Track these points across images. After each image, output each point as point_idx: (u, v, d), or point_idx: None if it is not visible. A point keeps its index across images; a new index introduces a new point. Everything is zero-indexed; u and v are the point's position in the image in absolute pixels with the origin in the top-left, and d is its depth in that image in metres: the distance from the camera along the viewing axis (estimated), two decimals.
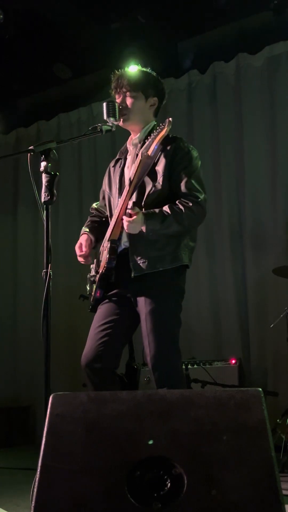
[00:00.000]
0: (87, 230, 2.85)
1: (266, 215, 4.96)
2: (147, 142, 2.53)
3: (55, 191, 2.37)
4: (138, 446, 1.41)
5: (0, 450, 5.29)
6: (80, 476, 1.38)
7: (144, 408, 1.47)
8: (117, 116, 2.64)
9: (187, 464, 1.37)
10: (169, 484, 1.35)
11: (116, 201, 2.72)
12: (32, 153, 2.42)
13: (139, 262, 2.55)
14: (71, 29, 5.23)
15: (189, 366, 4.22)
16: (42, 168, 2.39)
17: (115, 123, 2.66)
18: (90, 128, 2.67)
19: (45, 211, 2.37)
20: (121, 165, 2.79)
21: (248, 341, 4.90)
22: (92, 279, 2.75)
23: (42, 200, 2.35)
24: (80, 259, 2.78)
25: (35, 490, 1.35)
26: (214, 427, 1.41)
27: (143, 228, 2.50)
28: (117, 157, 2.88)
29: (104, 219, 2.90)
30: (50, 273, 2.31)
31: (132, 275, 2.54)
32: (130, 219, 2.45)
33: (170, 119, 2.50)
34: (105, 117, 2.64)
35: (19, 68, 5.56)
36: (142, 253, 2.56)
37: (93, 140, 5.79)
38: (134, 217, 2.45)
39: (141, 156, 2.53)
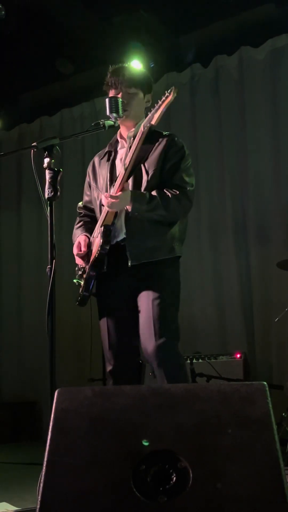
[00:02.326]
0: (84, 232, 2.83)
1: (270, 209, 4.95)
2: (149, 114, 2.51)
3: (58, 187, 2.37)
4: (143, 440, 1.41)
5: (7, 446, 5.33)
6: (86, 470, 1.38)
7: (148, 402, 1.47)
8: (120, 111, 2.64)
9: (192, 457, 1.37)
10: (174, 477, 1.36)
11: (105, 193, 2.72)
12: (35, 150, 2.42)
13: (136, 251, 2.57)
14: (73, 24, 5.21)
15: (194, 361, 4.23)
16: (45, 165, 2.39)
17: (118, 118, 2.66)
18: (93, 124, 2.67)
19: (48, 207, 2.38)
20: (112, 158, 2.81)
21: (253, 335, 4.91)
22: (80, 272, 2.75)
23: (46, 196, 2.35)
24: (78, 259, 2.76)
25: (41, 484, 1.36)
26: (219, 420, 1.42)
27: (129, 207, 2.54)
28: (107, 149, 2.87)
29: (93, 216, 2.89)
30: (54, 269, 2.31)
31: (129, 263, 2.55)
32: (114, 196, 2.49)
33: (175, 87, 2.48)
34: (107, 112, 2.64)
35: (22, 64, 5.55)
36: (139, 242, 2.58)
37: (96, 135, 5.78)
38: (119, 193, 2.50)
39: (144, 128, 2.53)
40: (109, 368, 2.67)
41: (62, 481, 1.37)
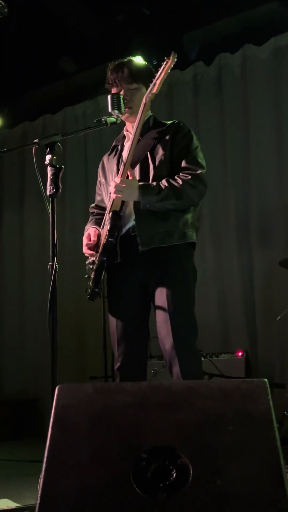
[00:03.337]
0: (93, 225, 2.84)
1: (273, 207, 4.95)
2: (151, 85, 2.56)
3: (60, 184, 2.37)
4: (144, 437, 1.41)
5: (9, 443, 5.33)
6: (86, 466, 1.38)
7: (149, 399, 1.47)
8: (122, 108, 2.64)
9: (192, 454, 1.37)
10: (174, 474, 1.36)
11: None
12: (37, 146, 2.42)
13: (146, 236, 2.53)
14: (76, 22, 5.22)
15: (202, 358, 4.22)
16: (47, 161, 2.39)
17: (120, 115, 2.66)
18: (95, 121, 2.68)
19: (50, 204, 2.38)
20: (119, 151, 2.82)
21: (255, 333, 4.90)
22: (91, 266, 2.72)
23: (48, 193, 2.36)
24: (86, 249, 2.73)
25: (41, 480, 1.36)
26: (220, 417, 1.41)
27: (139, 199, 2.51)
28: (114, 144, 2.89)
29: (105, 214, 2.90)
30: (56, 266, 2.31)
31: (140, 249, 2.52)
32: (118, 181, 2.49)
33: (174, 52, 2.53)
34: (109, 109, 2.64)
35: (24, 62, 5.55)
36: (149, 228, 2.55)
37: (99, 132, 5.79)
38: (130, 178, 2.51)
39: (146, 99, 2.56)
40: (117, 364, 2.64)
41: (62, 477, 1.37)
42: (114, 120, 2.68)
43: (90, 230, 2.77)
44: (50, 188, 2.35)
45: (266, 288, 4.87)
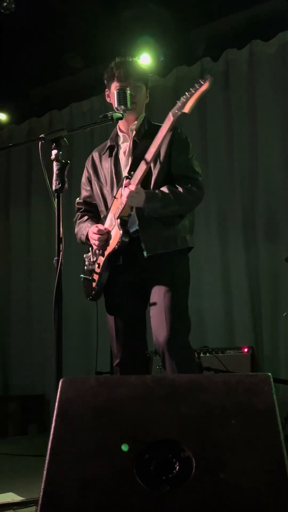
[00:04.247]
0: (94, 224, 2.79)
1: (280, 204, 4.93)
2: (179, 102, 2.43)
3: (66, 179, 2.38)
4: (147, 430, 1.42)
5: (15, 438, 5.36)
6: (89, 459, 1.39)
7: (153, 392, 1.48)
8: (128, 104, 2.63)
9: (195, 447, 1.38)
10: (177, 467, 1.36)
11: (109, 188, 2.72)
12: (43, 141, 2.42)
13: (151, 242, 2.56)
14: (83, 18, 5.21)
15: (202, 355, 4.22)
16: (53, 156, 2.39)
17: (127, 111, 2.66)
18: (101, 116, 2.67)
19: (56, 199, 2.38)
20: (115, 152, 2.79)
21: (261, 329, 4.89)
22: (91, 267, 2.72)
23: (53, 188, 2.36)
24: (96, 238, 2.66)
25: (45, 472, 1.37)
26: (223, 411, 1.42)
27: (144, 206, 2.53)
28: (109, 144, 2.84)
29: (94, 211, 2.88)
30: (61, 261, 2.32)
31: (145, 254, 2.55)
32: (133, 188, 2.48)
33: (210, 76, 2.44)
34: (115, 105, 2.64)
35: (31, 58, 5.56)
36: (153, 233, 2.58)
37: (105, 128, 5.78)
38: (139, 186, 2.50)
39: (173, 117, 2.45)
40: (116, 361, 2.67)
41: (65, 469, 1.38)
42: (120, 115, 2.67)
43: (98, 226, 2.72)
44: (56, 183, 2.36)
45: (272, 285, 4.87)
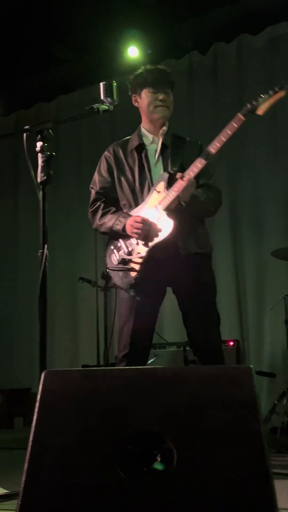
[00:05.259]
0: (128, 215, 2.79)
1: (266, 198, 4.95)
2: (248, 105, 2.66)
3: (51, 171, 2.37)
4: (129, 421, 1.42)
5: (1, 431, 5.35)
6: (71, 450, 1.39)
7: (136, 384, 1.48)
8: (114, 95, 2.63)
9: (177, 439, 1.38)
10: (159, 459, 1.37)
11: (138, 184, 2.78)
12: (28, 133, 2.41)
13: (187, 242, 2.67)
14: (71, 10, 5.17)
15: (187, 348, 4.24)
16: (38, 148, 2.38)
17: (113, 103, 2.65)
18: (87, 108, 2.66)
19: (41, 192, 2.37)
20: (144, 152, 2.85)
21: (247, 323, 4.92)
22: (127, 256, 2.72)
23: (39, 180, 2.35)
24: (140, 228, 2.67)
25: (26, 464, 1.37)
26: (205, 402, 1.42)
27: (189, 200, 2.66)
28: (137, 142, 2.87)
29: (113, 203, 2.88)
30: (46, 254, 2.31)
31: (182, 253, 2.64)
32: (190, 181, 2.60)
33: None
34: (102, 96, 2.63)
35: (19, 49, 5.52)
36: (189, 233, 2.69)
37: (93, 120, 5.77)
38: (193, 180, 2.64)
39: (244, 117, 2.65)
40: (125, 351, 2.70)
41: (47, 461, 1.38)
42: (107, 107, 2.66)
43: (142, 217, 2.71)
44: (41, 175, 2.35)
45: (258, 278, 4.89)
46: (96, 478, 1.34)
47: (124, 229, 2.72)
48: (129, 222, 2.70)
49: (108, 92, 2.63)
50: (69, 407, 1.46)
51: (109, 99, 2.63)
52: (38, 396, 1.48)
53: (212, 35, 5.39)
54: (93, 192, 2.94)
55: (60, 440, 1.40)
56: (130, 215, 2.74)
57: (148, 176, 2.79)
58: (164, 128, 2.86)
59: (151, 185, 2.76)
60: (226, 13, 5.20)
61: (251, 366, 1.48)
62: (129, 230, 2.70)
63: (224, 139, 2.64)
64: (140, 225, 2.66)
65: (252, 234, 4.98)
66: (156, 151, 2.84)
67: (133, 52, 5.51)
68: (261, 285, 4.87)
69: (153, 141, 2.88)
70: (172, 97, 2.88)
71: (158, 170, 2.80)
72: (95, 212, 2.88)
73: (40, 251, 2.30)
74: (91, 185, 2.95)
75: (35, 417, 1.45)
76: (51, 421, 1.44)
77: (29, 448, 1.40)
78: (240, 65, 5.24)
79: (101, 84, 2.65)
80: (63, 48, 5.67)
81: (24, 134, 2.40)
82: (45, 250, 2.30)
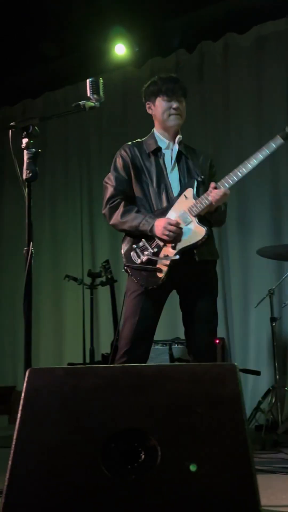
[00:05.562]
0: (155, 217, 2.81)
1: (251, 196, 4.97)
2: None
3: (37, 168, 2.35)
4: (113, 419, 1.42)
5: None
6: (55, 448, 1.39)
7: (120, 381, 1.48)
8: (100, 92, 2.61)
9: (161, 436, 1.38)
10: (143, 456, 1.37)
11: (156, 187, 2.83)
12: (13, 130, 2.40)
13: (202, 248, 2.75)
14: (58, 7, 5.15)
15: (173, 346, 4.26)
16: (23, 145, 2.37)
17: (99, 100, 2.64)
18: (73, 105, 2.65)
19: (26, 188, 2.36)
20: (162, 157, 2.89)
21: (232, 321, 4.94)
22: (152, 257, 2.75)
23: (24, 177, 2.34)
24: (173, 230, 2.72)
25: (10, 462, 1.36)
26: (189, 400, 1.43)
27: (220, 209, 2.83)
28: (154, 146, 2.91)
29: (130, 201, 2.90)
30: (32, 251, 2.29)
31: (197, 259, 2.72)
32: (228, 192, 2.79)
33: None
34: (88, 93, 2.61)
35: (6, 46, 5.47)
36: (204, 242, 2.75)
37: (80, 116, 5.75)
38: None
39: (283, 139, 2.81)
40: (126, 347, 2.73)
41: (31, 459, 1.38)
42: (93, 104, 2.65)
43: (174, 219, 2.76)
44: (27, 172, 2.33)
45: (244, 277, 4.91)
46: (80, 476, 1.34)
47: (151, 230, 2.75)
48: (161, 224, 2.73)
49: (95, 89, 2.61)
50: (53, 404, 1.46)
51: (95, 96, 2.61)
52: (23, 394, 1.47)
53: (199, 34, 5.38)
54: (109, 187, 2.91)
55: (44, 438, 1.40)
56: (156, 217, 2.77)
57: (167, 180, 2.85)
58: (180, 136, 2.93)
59: (170, 189, 2.83)
60: (213, 12, 5.20)
61: (236, 363, 1.49)
62: (159, 232, 2.73)
63: (262, 157, 2.85)
64: (173, 228, 2.71)
65: (237, 232, 5.00)
66: (171, 156, 2.91)
67: (120, 49, 5.49)
68: (246, 283, 4.89)
69: (168, 146, 2.93)
70: (185, 104, 2.95)
71: (174, 176, 2.86)
72: (115, 208, 2.87)
73: (26, 248, 2.29)
74: (105, 181, 2.93)
75: (19, 415, 1.45)
76: (35, 419, 1.44)
77: (13, 446, 1.40)
78: (227, 64, 5.24)
79: (88, 81, 2.63)
80: (49, 45, 5.63)
81: (10, 131, 2.38)
82: (31, 247, 2.29)
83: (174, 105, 2.88)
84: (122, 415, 1.42)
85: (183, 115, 2.94)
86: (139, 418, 1.41)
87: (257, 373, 4.20)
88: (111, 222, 2.87)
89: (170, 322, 4.87)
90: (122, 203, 2.86)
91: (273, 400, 3.71)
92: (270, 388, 3.82)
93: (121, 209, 2.85)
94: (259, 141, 4.99)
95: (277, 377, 3.84)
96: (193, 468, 1.34)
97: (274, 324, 3.96)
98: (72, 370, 1.53)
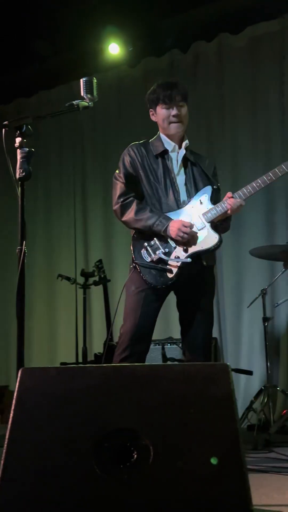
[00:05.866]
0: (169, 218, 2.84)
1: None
2: None
3: (30, 167, 2.35)
4: (106, 419, 1.42)
5: None
6: (47, 447, 1.39)
7: (112, 381, 1.48)
8: (94, 92, 2.61)
9: (153, 435, 1.39)
10: (135, 455, 1.37)
11: (163, 188, 2.86)
12: (7, 129, 2.39)
13: (209, 254, 2.82)
14: (52, 5, 5.14)
15: (166, 346, 4.26)
16: (17, 144, 2.37)
17: (93, 100, 2.64)
18: (66, 105, 2.64)
19: (19, 188, 2.36)
20: (168, 160, 2.92)
21: (224, 320, 4.95)
22: (163, 256, 2.78)
23: (17, 176, 2.33)
24: (188, 232, 2.76)
25: (2, 462, 1.36)
26: (182, 399, 1.43)
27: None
28: (161, 148, 2.93)
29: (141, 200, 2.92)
30: (25, 250, 2.29)
31: (205, 263, 2.80)
32: (244, 203, 2.83)
33: None
34: (82, 93, 2.61)
35: None
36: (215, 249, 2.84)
37: (74, 115, 5.74)
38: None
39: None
40: (128, 342, 2.76)
41: (23, 458, 1.38)
42: (87, 104, 2.65)
43: (188, 222, 2.80)
44: (20, 171, 2.33)
45: (236, 276, 4.92)
46: (73, 476, 1.34)
47: (165, 230, 2.77)
48: (176, 225, 2.76)
49: (88, 88, 2.61)
50: (45, 404, 1.46)
51: (89, 96, 2.61)
52: (15, 394, 1.47)
53: (193, 34, 5.39)
54: (120, 184, 2.92)
55: (36, 438, 1.40)
56: (171, 218, 2.80)
57: (175, 182, 2.89)
58: (187, 142, 2.95)
59: (177, 191, 2.86)
60: (207, 12, 5.20)
61: (228, 363, 1.49)
62: (174, 233, 2.75)
63: (280, 174, 2.83)
64: (188, 230, 2.75)
65: (230, 233, 4.99)
66: (177, 160, 2.93)
67: (114, 49, 5.49)
68: (239, 283, 4.90)
69: (174, 149, 2.95)
70: (186, 108, 2.93)
71: (180, 180, 2.90)
72: (127, 206, 2.88)
73: (19, 247, 2.29)
74: (115, 177, 2.94)
75: (11, 415, 1.45)
76: (28, 419, 1.44)
77: (5, 445, 1.39)
78: (220, 64, 5.25)
79: (82, 80, 2.63)
80: (43, 44, 5.62)
81: (3, 130, 2.38)
82: (24, 247, 2.29)
83: (173, 112, 2.88)
84: (115, 415, 1.42)
85: (184, 121, 2.93)
86: (132, 418, 1.42)
87: (249, 373, 4.21)
88: (124, 219, 2.88)
89: (163, 322, 4.87)
90: (135, 201, 2.88)
91: (265, 400, 3.72)
92: (262, 388, 3.83)
93: (134, 206, 2.86)
94: (253, 142, 5.04)
95: (269, 377, 3.85)
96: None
97: (266, 324, 3.98)
98: (65, 370, 1.53)
